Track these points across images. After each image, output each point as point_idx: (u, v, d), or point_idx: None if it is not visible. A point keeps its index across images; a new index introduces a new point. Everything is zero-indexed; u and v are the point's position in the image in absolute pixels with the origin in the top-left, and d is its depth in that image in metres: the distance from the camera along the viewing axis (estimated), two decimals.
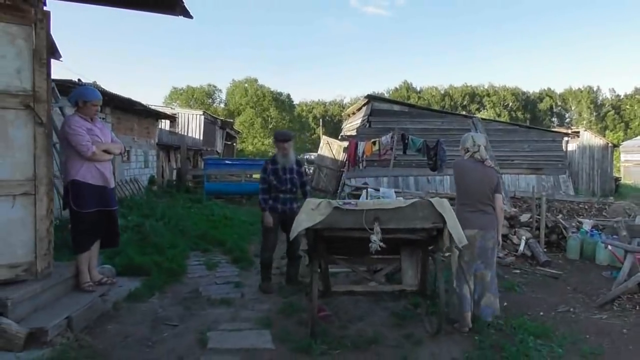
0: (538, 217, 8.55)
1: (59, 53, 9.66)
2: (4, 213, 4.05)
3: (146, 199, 15.40)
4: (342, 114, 42.86)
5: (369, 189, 12.16)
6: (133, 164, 16.98)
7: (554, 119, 71.23)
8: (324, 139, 20.22)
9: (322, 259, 4.44)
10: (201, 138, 28.80)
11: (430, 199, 4.10)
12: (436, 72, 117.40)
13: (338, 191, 17.11)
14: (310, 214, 4.00)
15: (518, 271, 7.14)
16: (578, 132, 26.25)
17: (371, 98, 17.69)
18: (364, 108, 18.35)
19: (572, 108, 70.49)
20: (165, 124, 25.21)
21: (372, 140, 13.64)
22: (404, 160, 15.99)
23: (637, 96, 65.32)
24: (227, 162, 20.04)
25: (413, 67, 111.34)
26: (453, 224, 4.03)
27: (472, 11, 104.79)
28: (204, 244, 8.80)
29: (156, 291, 5.78)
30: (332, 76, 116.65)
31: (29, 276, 4.18)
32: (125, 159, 16.15)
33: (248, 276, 6.74)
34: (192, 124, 29.02)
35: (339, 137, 20.94)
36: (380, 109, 17.07)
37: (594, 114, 67.20)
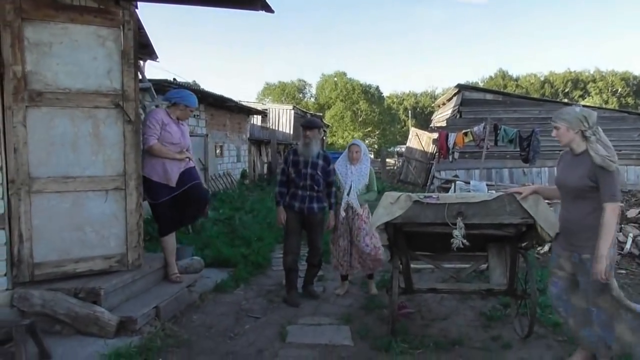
0: None
1: (155, 54, 10.09)
2: (98, 207, 4.29)
3: (238, 192, 15.93)
4: (433, 105, 41.84)
5: (458, 182, 11.71)
6: (226, 159, 17.62)
7: None
8: (413, 130, 19.80)
9: (403, 255, 4.28)
10: (291, 132, 29.33)
11: None
12: (535, 59, 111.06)
13: (427, 184, 16.70)
14: (389, 207, 3.85)
15: (624, 272, 6.52)
16: None
17: (462, 87, 17.00)
18: (455, 98, 17.69)
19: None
20: (257, 119, 25.96)
21: (464, 131, 13.10)
22: (498, 152, 15.24)
23: None
24: None
25: (509, 55, 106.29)
26: (544, 218, 3.70)
27: None
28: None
29: (241, 283, 5.92)
30: (424, 67, 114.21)
31: (121, 267, 4.41)
32: (218, 153, 16.80)
33: (331, 269, 6.70)
34: (282, 118, 29.63)
35: (428, 129, 20.42)
36: (472, 99, 16.36)
37: None
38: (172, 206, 4.88)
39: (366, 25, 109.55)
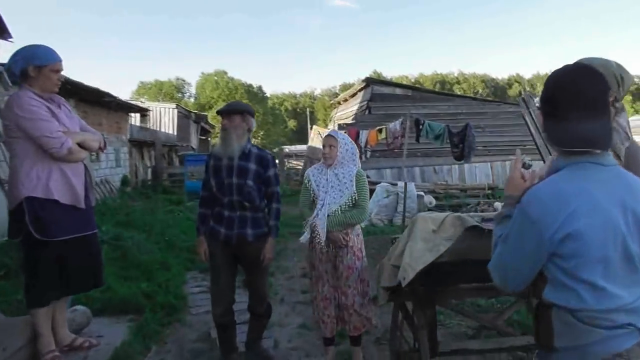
0: None
1: (8, 33, 8.14)
2: None
3: (120, 202, 13.54)
4: (314, 104, 41.11)
5: (382, 184, 10.62)
6: (103, 164, 15.05)
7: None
8: (315, 129, 18.57)
9: (429, 306, 2.82)
10: (175, 133, 26.80)
11: None
12: (406, 61, 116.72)
13: None
14: (432, 239, 2.37)
15: None
16: None
17: (370, 81, 16.01)
18: (361, 93, 16.68)
19: (527, 92, 69.99)
20: (135, 119, 23.14)
21: (378, 127, 12.04)
22: (408, 150, 14.48)
23: None
24: None
25: (382, 57, 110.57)
26: None
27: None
28: (200, 261, 7.00)
29: (152, 343, 4.12)
30: (302, 68, 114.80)
31: None
32: (94, 158, 14.21)
33: (274, 307, 5.06)
34: (164, 118, 26.98)
35: (337, 126, 19.26)
36: (382, 93, 15.42)
37: None
38: (64, 256, 3.02)
39: (247, 27, 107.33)
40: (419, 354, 2.90)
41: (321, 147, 3.78)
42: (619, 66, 2.08)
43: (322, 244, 3.44)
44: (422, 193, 11.33)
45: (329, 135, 3.64)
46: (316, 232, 3.45)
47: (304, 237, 3.61)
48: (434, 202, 11.59)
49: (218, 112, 3.65)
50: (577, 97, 1.48)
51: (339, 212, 3.48)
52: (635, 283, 1.48)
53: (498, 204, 9.96)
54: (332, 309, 3.57)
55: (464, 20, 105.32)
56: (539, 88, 69.84)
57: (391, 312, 3.45)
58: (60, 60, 3.12)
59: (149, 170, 20.52)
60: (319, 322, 3.62)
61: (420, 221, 2.43)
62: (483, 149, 14.45)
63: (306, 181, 3.70)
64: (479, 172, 15.05)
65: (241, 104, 3.77)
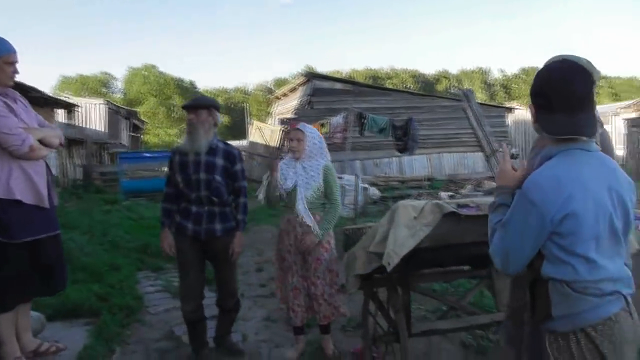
0: None
1: None
2: None
3: None
4: (246, 100, 40.71)
5: None
6: None
7: None
8: (256, 124, 18.45)
9: (405, 289, 2.94)
10: (105, 130, 25.74)
11: None
12: (338, 56, 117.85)
13: None
14: (413, 225, 2.48)
15: None
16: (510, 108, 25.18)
17: (311, 76, 16.11)
18: (302, 88, 16.74)
19: (466, 88, 72.54)
20: (60, 115, 22.00)
21: (320, 122, 12.17)
22: (349, 143, 14.74)
23: (522, 76, 68.90)
24: (146, 155, 17.67)
25: (315, 52, 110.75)
26: None
27: None
28: (150, 260, 6.88)
29: (114, 345, 3.99)
30: (233, 63, 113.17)
31: None
32: None
33: (246, 304, 5.05)
34: (93, 114, 25.80)
35: (279, 121, 19.24)
36: (322, 88, 15.55)
37: (487, 93, 70.33)
38: (29, 258, 2.90)
39: (175, 19, 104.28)
40: (394, 336, 3.02)
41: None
42: (588, 62, 2.24)
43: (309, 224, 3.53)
44: (366, 185, 11.56)
45: (296, 129, 3.69)
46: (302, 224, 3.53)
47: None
48: (378, 194, 11.87)
49: (184, 107, 3.62)
50: (568, 94, 1.67)
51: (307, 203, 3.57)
52: (618, 254, 1.70)
53: (443, 194, 10.35)
54: (302, 298, 3.65)
55: (393, 15, 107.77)
56: (466, 83, 72.60)
57: (357, 300, 3.55)
58: (14, 52, 2.99)
59: (79, 170, 19.66)
60: (290, 311, 3.67)
61: (402, 209, 2.53)
62: (421, 142, 14.91)
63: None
64: (417, 164, 15.57)
65: (207, 99, 3.78)
